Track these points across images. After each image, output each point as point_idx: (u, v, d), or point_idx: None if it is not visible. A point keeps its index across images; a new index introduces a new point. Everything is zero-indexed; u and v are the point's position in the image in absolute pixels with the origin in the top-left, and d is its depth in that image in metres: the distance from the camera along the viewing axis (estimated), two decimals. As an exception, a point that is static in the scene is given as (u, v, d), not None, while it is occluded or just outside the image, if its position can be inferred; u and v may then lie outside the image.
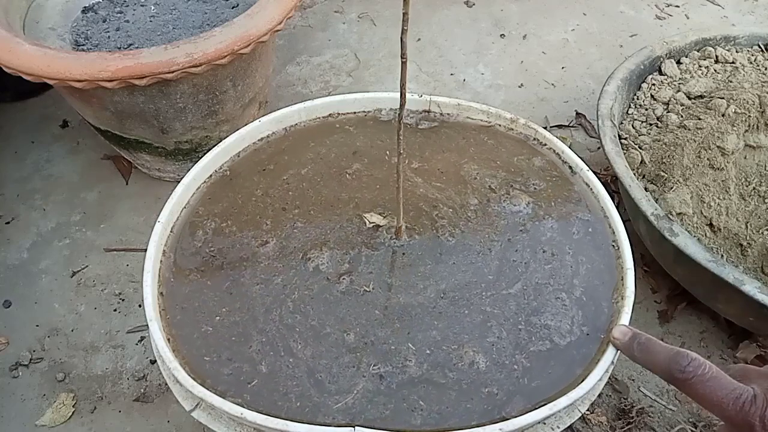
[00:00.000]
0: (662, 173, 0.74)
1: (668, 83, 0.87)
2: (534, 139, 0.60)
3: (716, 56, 0.88)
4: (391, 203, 0.54)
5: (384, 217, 0.53)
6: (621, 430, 0.66)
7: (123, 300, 0.78)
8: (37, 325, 0.76)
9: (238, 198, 0.54)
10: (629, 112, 0.86)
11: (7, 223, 0.88)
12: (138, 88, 0.69)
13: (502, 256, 0.51)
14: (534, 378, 0.43)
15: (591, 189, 0.55)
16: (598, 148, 0.96)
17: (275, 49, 1.05)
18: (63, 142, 0.99)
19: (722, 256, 0.69)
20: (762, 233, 0.68)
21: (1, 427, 0.67)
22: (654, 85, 0.87)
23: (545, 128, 0.62)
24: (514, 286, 0.49)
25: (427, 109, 0.62)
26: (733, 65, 0.86)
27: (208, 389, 0.41)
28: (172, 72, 0.67)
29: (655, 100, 0.85)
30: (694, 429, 0.66)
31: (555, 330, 0.46)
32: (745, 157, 0.72)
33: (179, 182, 0.54)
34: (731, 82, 0.82)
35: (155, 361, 0.72)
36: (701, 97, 0.82)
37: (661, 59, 0.89)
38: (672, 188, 0.72)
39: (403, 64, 0.40)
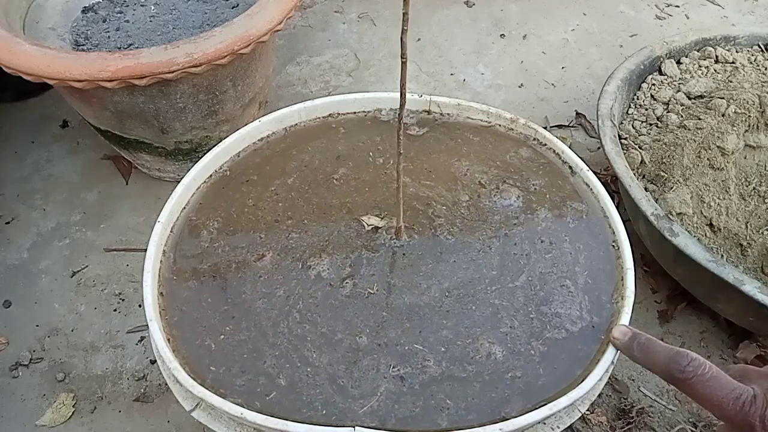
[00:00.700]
0: (662, 173, 0.74)
1: (668, 83, 0.87)
2: (534, 139, 0.60)
3: (716, 56, 0.88)
4: (384, 204, 0.54)
5: (382, 219, 0.53)
6: (621, 430, 0.66)
7: (123, 300, 0.78)
8: (37, 325, 0.76)
9: (232, 211, 0.53)
10: (629, 112, 0.86)
11: (7, 223, 0.88)
12: (138, 88, 0.69)
13: (502, 251, 0.51)
14: (554, 361, 0.44)
15: (591, 189, 0.55)
16: (598, 148, 0.96)
17: (275, 49, 1.05)
18: (63, 142, 0.99)
19: (722, 256, 0.69)
20: (762, 233, 0.68)
21: (1, 427, 0.67)
22: (654, 85, 0.87)
23: (545, 128, 0.62)
24: (519, 279, 0.49)
25: (427, 109, 0.62)
26: (733, 65, 0.86)
27: (207, 389, 0.41)
28: (172, 72, 0.67)
29: (655, 100, 0.85)
30: (694, 429, 0.66)
31: (566, 317, 0.47)
32: (745, 157, 0.72)
33: (179, 182, 0.54)
34: (731, 82, 0.82)
35: (155, 361, 0.72)
36: (701, 97, 0.82)
37: (661, 59, 0.89)
38: (672, 188, 0.72)
39: (403, 64, 0.40)
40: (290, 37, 1.19)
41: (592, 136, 1.00)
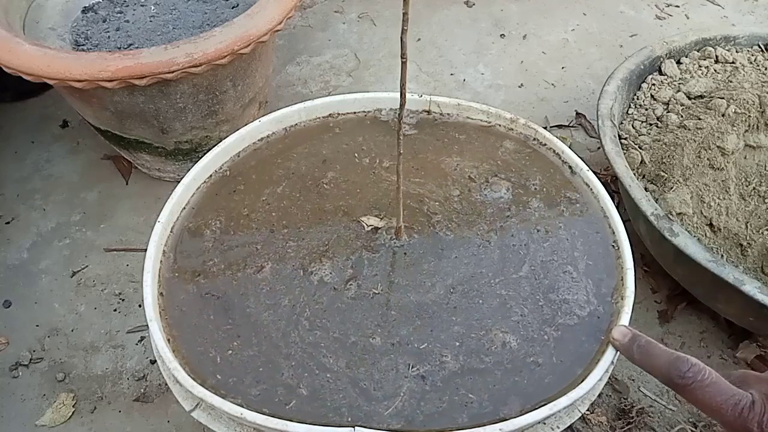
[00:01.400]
0: (662, 173, 0.74)
1: (668, 83, 0.87)
2: (534, 139, 0.60)
3: (716, 56, 0.88)
4: (379, 204, 0.54)
5: (381, 219, 0.53)
6: (621, 430, 0.66)
7: (123, 300, 0.78)
8: (37, 325, 0.76)
9: (227, 224, 0.53)
10: (629, 112, 0.86)
11: (7, 223, 0.88)
12: (138, 88, 0.69)
13: (501, 244, 0.51)
14: (569, 345, 0.45)
15: (591, 189, 0.55)
16: (598, 148, 0.96)
17: (275, 49, 1.05)
18: (63, 142, 0.99)
19: (722, 256, 0.69)
20: (762, 233, 0.68)
21: (1, 427, 0.67)
22: (654, 85, 0.87)
23: (545, 128, 0.62)
24: (522, 269, 0.50)
25: (427, 109, 0.62)
26: (733, 65, 0.86)
27: (208, 389, 0.41)
28: (172, 72, 0.67)
29: (655, 100, 0.85)
30: (694, 429, 0.66)
31: (575, 303, 0.47)
32: (745, 157, 0.72)
33: (179, 182, 0.54)
34: (731, 82, 0.82)
35: (155, 361, 0.72)
36: (701, 97, 0.82)
37: (661, 59, 0.89)
38: (672, 188, 0.72)
39: (403, 64, 0.40)
40: (290, 37, 1.19)
41: (592, 136, 1.00)
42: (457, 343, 0.45)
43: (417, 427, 0.41)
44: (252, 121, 0.59)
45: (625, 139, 0.81)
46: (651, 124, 0.82)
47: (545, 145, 0.59)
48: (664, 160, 0.75)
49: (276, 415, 0.40)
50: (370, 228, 0.52)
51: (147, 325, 0.44)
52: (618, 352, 0.43)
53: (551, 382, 0.43)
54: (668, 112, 0.82)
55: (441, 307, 0.47)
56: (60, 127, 1.01)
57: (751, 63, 0.87)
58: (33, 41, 0.71)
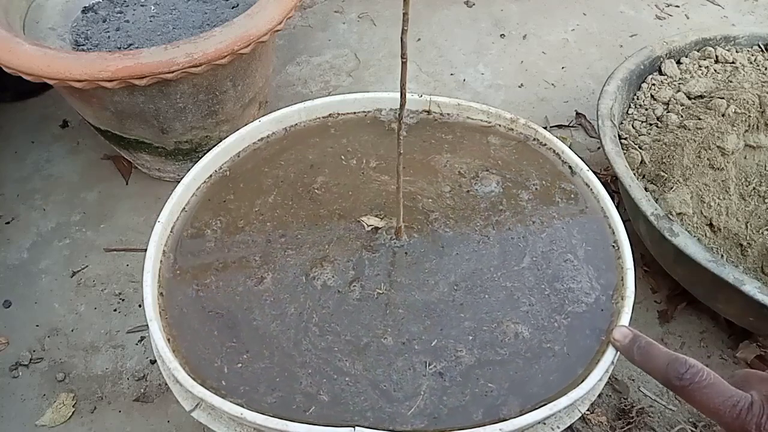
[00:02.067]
0: (662, 173, 0.74)
1: (668, 83, 0.87)
2: (534, 139, 0.60)
3: (716, 56, 0.88)
4: (373, 205, 0.54)
5: (381, 219, 0.52)
6: (621, 430, 0.66)
7: (123, 300, 0.78)
8: (37, 325, 0.76)
9: (225, 235, 0.52)
10: (629, 112, 0.86)
11: (7, 223, 0.88)
12: (138, 88, 0.69)
13: (500, 237, 0.52)
14: (580, 332, 0.45)
15: (591, 189, 0.55)
16: (598, 148, 0.96)
17: (275, 49, 1.05)
18: (63, 142, 0.99)
19: (722, 256, 0.69)
20: (762, 233, 0.68)
21: (1, 427, 0.67)
22: (654, 85, 0.87)
23: (545, 128, 0.62)
24: (523, 261, 0.50)
25: (427, 109, 0.62)
26: (733, 65, 0.86)
27: (208, 389, 0.41)
28: (172, 72, 0.67)
29: (655, 100, 0.85)
30: (694, 429, 0.66)
31: (580, 291, 0.48)
32: (745, 157, 0.72)
33: (179, 182, 0.54)
34: (731, 82, 0.82)
35: (155, 361, 0.72)
36: (701, 97, 0.82)
37: (661, 59, 0.89)
38: (672, 188, 0.72)
39: (403, 64, 0.40)
40: (290, 37, 1.19)
41: (592, 136, 1.00)
42: (470, 337, 0.45)
43: (443, 423, 0.41)
44: (252, 121, 0.59)
45: (625, 139, 0.81)
46: (651, 124, 0.82)
47: (545, 145, 0.59)
48: (664, 160, 0.75)
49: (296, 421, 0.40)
50: (370, 228, 0.52)
51: (147, 325, 0.44)
52: (618, 353, 0.43)
53: (570, 366, 0.44)
54: (668, 112, 0.82)
55: (448, 305, 0.47)
56: (60, 127, 1.01)
57: (751, 63, 0.87)
58: (33, 41, 0.71)
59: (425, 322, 0.46)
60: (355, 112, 0.62)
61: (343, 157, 0.58)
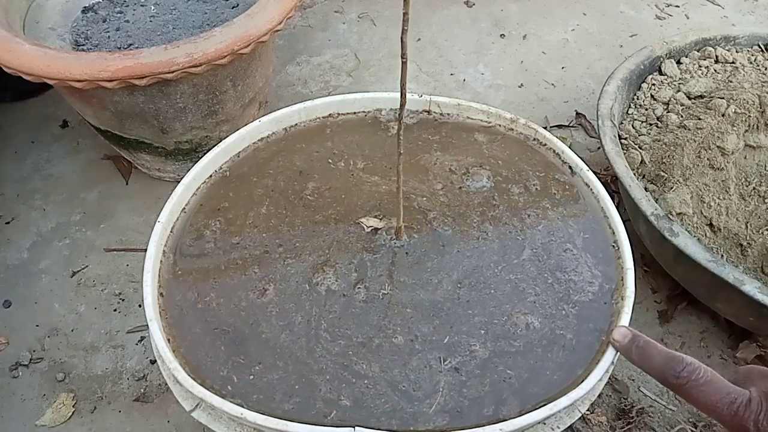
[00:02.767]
0: (662, 173, 0.74)
1: (668, 83, 0.87)
2: (534, 139, 0.60)
3: (716, 56, 0.88)
4: (369, 206, 0.54)
5: (380, 220, 0.52)
6: (621, 430, 0.66)
7: (123, 300, 0.78)
8: (37, 325, 0.76)
9: (214, 259, 0.50)
10: (629, 112, 0.86)
11: (7, 223, 0.88)
12: (138, 88, 0.69)
13: (498, 232, 0.52)
14: (588, 320, 0.46)
15: (591, 189, 0.55)
16: (598, 148, 0.96)
17: (275, 49, 1.05)
18: (63, 142, 0.99)
19: (722, 256, 0.69)
20: (762, 233, 0.68)
21: (1, 427, 0.67)
22: (654, 85, 0.87)
23: (545, 128, 0.62)
24: (523, 253, 0.51)
25: (427, 109, 0.62)
26: (733, 65, 0.86)
27: (207, 389, 0.41)
28: (172, 72, 0.67)
29: (655, 100, 0.85)
30: (694, 429, 0.66)
31: (583, 281, 0.49)
32: (745, 157, 0.72)
33: (179, 182, 0.54)
34: (731, 82, 0.82)
35: (155, 361, 0.72)
36: (701, 97, 0.82)
37: (661, 59, 0.89)
38: (672, 188, 0.72)
39: (404, 64, 0.40)
40: (290, 37, 1.19)
41: (592, 136, 1.00)
42: (482, 331, 0.46)
43: (466, 416, 0.41)
44: (252, 121, 0.59)
45: (625, 139, 0.81)
46: (651, 124, 0.82)
47: (545, 145, 0.59)
48: (664, 160, 0.75)
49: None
50: (370, 229, 0.52)
51: (147, 325, 0.44)
52: (618, 353, 0.43)
53: (584, 352, 0.44)
54: (668, 112, 0.82)
55: (454, 303, 0.47)
56: (60, 127, 1.01)
57: (751, 63, 0.87)
58: (33, 41, 0.71)
59: (434, 322, 0.46)
60: (355, 112, 0.62)
61: (330, 160, 0.58)
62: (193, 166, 0.55)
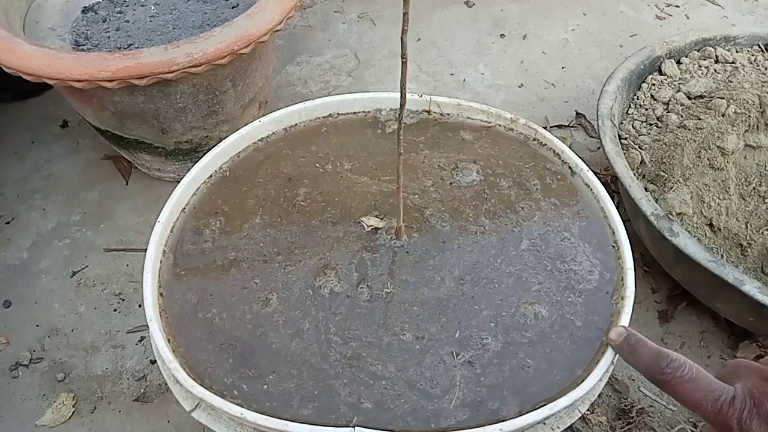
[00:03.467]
0: (662, 173, 0.74)
1: (668, 83, 0.87)
2: (534, 139, 0.60)
3: (716, 56, 0.88)
4: (364, 207, 0.54)
5: (381, 219, 0.52)
6: (621, 430, 0.66)
7: (123, 300, 0.78)
8: (37, 325, 0.76)
9: (212, 276, 0.50)
10: (629, 112, 0.86)
11: (7, 223, 0.88)
12: (138, 88, 0.69)
13: (495, 226, 0.52)
14: (594, 309, 0.47)
15: (591, 189, 0.55)
16: (598, 148, 0.96)
17: (275, 49, 1.05)
18: (63, 142, 0.99)
19: (722, 256, 0.69)
20: (762, 233, 0.68)
21: (1, 427, 0.67)
22: (654, 85, 0.87)
23: (545, 128, 0.62)
24: (521, 245, 0.51)
25: (427, 109, 0.62)
26: (733, 65, 0.86)
27: (207, 389, 0.41)
28: (172, 72, 0.67)
29: (655, 100, 0.85)
30: (694, 429, 0.66)
31: (582, 270, 0.49)
32: (745, 157, 0.72)
33: (179, 182, 0.54)
34: (731, 82, 0.82)
35: (155, 361, 0.72)
36: (701, 97, 0.82)
37: (661, 59, 0.89)
38: (672, 188, 0.72)
39: (404, 64, 0.40)
40: (290, 37, 1.19)
41: (592, 136, 1.00)
42: (492, 324, 0.46)
43: (486, 408, 0.41)
44: (252, 121, 0.59)
45: (625, 139, 0.81)
46: (651, 124, 0.82)
47: (545, 145, 0.59)
48: (664, 160, 0.75)
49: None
50: (370, 229, 0.52)
51: (147, 325, 0.44)
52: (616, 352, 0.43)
53: (596, 337, 0.45)
54: (668, 112, 0.82)
55: (459, 299, 0.47)
56: (60, 127, 1.01)
57: (751, 63, 0.87)
58: (33, 41, 0.71)
59: (441, 319, 0.46)
60: (355, 112, 0.62)
61: (318, 165, 0.58)
62: (193, 166, 0.55)
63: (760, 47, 0.91)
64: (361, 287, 0.48)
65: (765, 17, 1.27)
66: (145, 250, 0.48)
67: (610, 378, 0.54)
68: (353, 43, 1.18)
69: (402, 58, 0.39)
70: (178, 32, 0.84)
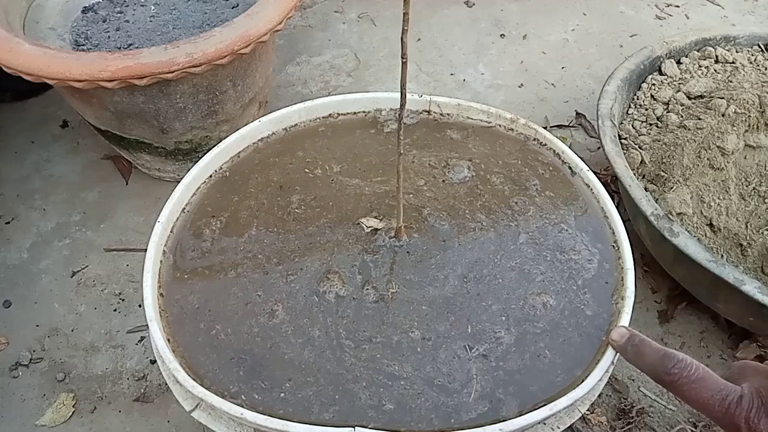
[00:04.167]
0: (662, 173, 0.74)
1: (668, 83, 0.87)
2: (534, 139, 0.60)
3: (716, 56, 0.88)
4: (361, 210, 0.54)
5: (380, 220, 0.52)
6: (621, 430, 0.66)
7: (123, 300, 0.78)
8: (37, 325, 0.76)
9: (214, 294, 0.49)
10: (629, 112, 0.86)
11: (7, 223, 0.88)
12: (138, 88, 0.69)
13: (493, 221, 0.53)
14: (595, 301, 0.47)
15: (591, 189, 0.55)
16: (598, 148, 0.96)
17: (275, 49, 1.05)
18: (63, 142, 0.99)
19: (722, 256, 0.69)
20: (762, 233, 0.68)
21: (1, 427, 0.67)
22: (654, 85, 0.87)
23: (545, 128, 0.62)
24: (519, 238, 0.51)
25: (427, 109, 0.62)
26: (733, 65, 0.86)
27: (207, 389, 0.41)
28: (172, 72, 0.67)
29: (655, 100, 0.85)
30: (694, 429, 0.66)
31: (582, 259, 0.50)
32: (745, 157, 0.72)
33: (179, 182, 0.54)
34: (731, 82, 0.82)
35: (155, 361, 0.72)
36: (701, 97, 0.82)
37: (661, 59, 0.89)
38: (672, 188, 0.72)
39: (404, 64, 0.40)
40: (290, 37, 1.19)
41: (592, 136, 1.00)
42: (503, 318, 0.46)
43: (507, 397, 0.42)
44: (252, 121, 0.59)
45: (625, 139, 0.81)
46: (651, 124, 0.82)
47: (545, 145, 0.59)
48: (664, 160, 0.75)
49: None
50: (369, 229, 0.52)
51: (147, 325, 0.44)
52: (618, 353, 0.43)
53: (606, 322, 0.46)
54: (668, 112, 0.82)
55: (465, 297, 0.48)
56: (60, 127, 1.01)
57: (751, 63, 0.87)
58: (33, 41, 0.71)
59: (450, 317, 0.46)
60: (354, 112, 0.62)
61: (307, 170, 0.57)
62: (193, 166, 0.55)
63: (760, 47, 0.91)
64: (367, 289, 0.48)
65: (765, 17, 1.27)
66: (145, 250, 0.48)
67: (610, 378, 0.54)
68: (353, 43, 1.18)
69: (402, 58, 0.39)
70: (178, 32, 0.84)
